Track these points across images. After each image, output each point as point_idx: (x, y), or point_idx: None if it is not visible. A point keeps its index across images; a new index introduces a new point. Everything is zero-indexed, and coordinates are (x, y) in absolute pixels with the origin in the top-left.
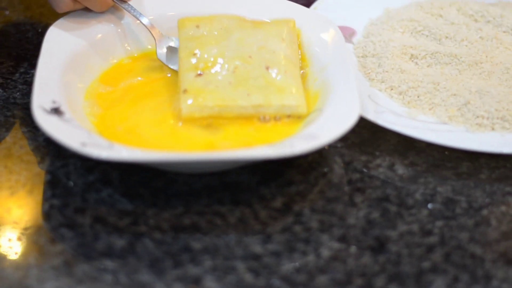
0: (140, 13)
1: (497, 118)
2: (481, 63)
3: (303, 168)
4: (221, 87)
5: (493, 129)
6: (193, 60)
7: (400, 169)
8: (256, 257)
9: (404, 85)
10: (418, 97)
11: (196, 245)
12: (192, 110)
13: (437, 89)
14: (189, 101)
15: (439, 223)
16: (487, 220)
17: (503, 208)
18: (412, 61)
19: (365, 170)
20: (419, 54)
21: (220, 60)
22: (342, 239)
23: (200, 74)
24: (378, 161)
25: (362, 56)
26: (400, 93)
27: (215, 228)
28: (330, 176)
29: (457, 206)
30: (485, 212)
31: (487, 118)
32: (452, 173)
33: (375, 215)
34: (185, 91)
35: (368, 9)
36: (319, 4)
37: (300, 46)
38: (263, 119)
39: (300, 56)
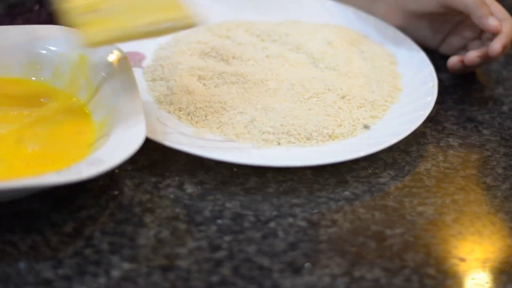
0: None
1: (283, 133)
2: (267, 80)
3: (94, 193)
4: (116, 15)
5: (279, 144)
6: (81, 5)
7: (190, 188)
8: (48, 283)
9: (192, 106)
10: (206, 117)
11: None
12: (93, 36)
13: (224, 108)
14: (89, 30)
15: (228, 238)
16: (274, 232)
17: (290, 219)
18: (200, 82)
19: (155, 191)
20: (207, 75)
21: None
22: (133, 259)
23: (91, 12)
24: (167, 181)
25: (151, 80)
26: (188, 114)
27: (6, 257)
28: (121, 198)
29: (245, 220)
30: (272, 224)
31: (273, 134)
32: (240, 188)
33: (165, 234)
34: (81, 24)
35: None
36: None
37: (86, 74)
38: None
39: None
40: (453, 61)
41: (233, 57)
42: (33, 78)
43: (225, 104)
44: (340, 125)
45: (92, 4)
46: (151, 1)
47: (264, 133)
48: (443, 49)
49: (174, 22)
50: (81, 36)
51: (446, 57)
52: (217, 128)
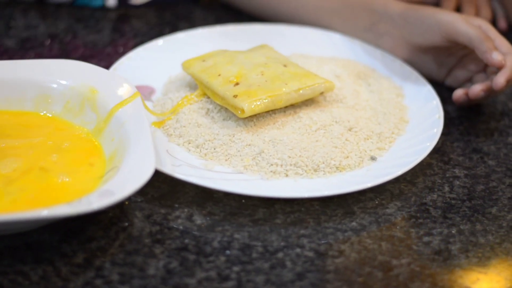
0: None
1: (290, 165)
2: (275, 113)
3: (104, 224)
4: (262, 85)
5: (286, 175)
6: (221, 79)
7: (199, 219)
8: None
9: (201, 138)
10: (214, 149)
11: None
12: (252, 106)
13: (233, 140)
14: (246, 100)
15: (236, 268)
16: (282, 262)
17: (298, 250)
18: (209, 115)
19: (164, 222)
20: (215, 108)
21: (245, 72)
22: None
23: (237, 83)
24: (177, 213)
25: (161, 113)
26: (197, 146)
27: (17, 287)
28: (130, 230)
29: (253, 251)
30: (280, 255)
31: (281, 165)
32: (248, 220)
33: (174, 264)
34: (235, 96)
35: (168, 68)
36: (118, 65)
37: (97, 108)
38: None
39: None
40: (458, 94)
41: None
42: (44, 112)
43: (233, 136)
44: (347, 157)
45: (230, 79)
46: (285, 73)
47: (272, 165)
48: (449, 81)
49: (317, 86)
50: (243, 104)
51: (451, 89)
52: (226, 160)
